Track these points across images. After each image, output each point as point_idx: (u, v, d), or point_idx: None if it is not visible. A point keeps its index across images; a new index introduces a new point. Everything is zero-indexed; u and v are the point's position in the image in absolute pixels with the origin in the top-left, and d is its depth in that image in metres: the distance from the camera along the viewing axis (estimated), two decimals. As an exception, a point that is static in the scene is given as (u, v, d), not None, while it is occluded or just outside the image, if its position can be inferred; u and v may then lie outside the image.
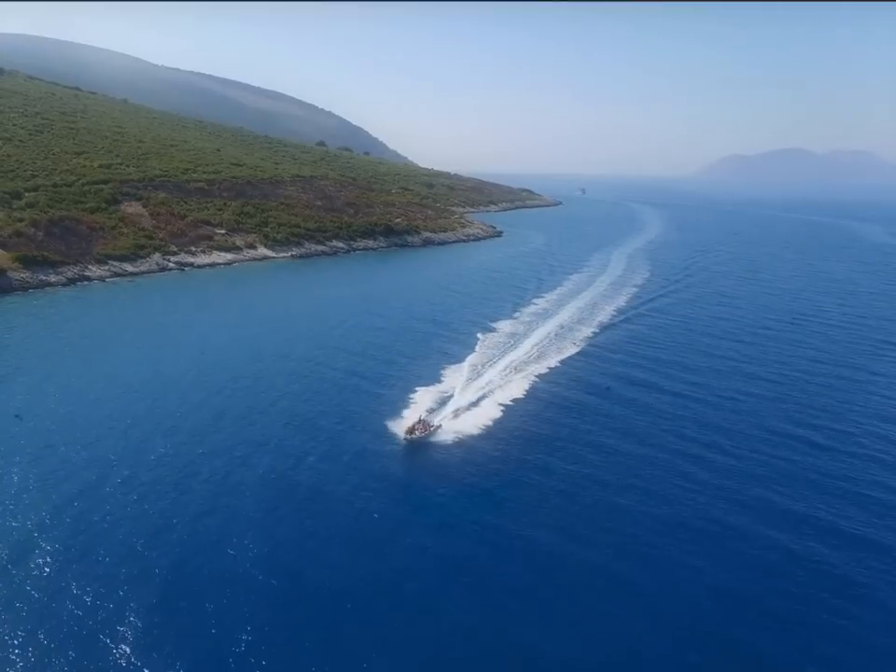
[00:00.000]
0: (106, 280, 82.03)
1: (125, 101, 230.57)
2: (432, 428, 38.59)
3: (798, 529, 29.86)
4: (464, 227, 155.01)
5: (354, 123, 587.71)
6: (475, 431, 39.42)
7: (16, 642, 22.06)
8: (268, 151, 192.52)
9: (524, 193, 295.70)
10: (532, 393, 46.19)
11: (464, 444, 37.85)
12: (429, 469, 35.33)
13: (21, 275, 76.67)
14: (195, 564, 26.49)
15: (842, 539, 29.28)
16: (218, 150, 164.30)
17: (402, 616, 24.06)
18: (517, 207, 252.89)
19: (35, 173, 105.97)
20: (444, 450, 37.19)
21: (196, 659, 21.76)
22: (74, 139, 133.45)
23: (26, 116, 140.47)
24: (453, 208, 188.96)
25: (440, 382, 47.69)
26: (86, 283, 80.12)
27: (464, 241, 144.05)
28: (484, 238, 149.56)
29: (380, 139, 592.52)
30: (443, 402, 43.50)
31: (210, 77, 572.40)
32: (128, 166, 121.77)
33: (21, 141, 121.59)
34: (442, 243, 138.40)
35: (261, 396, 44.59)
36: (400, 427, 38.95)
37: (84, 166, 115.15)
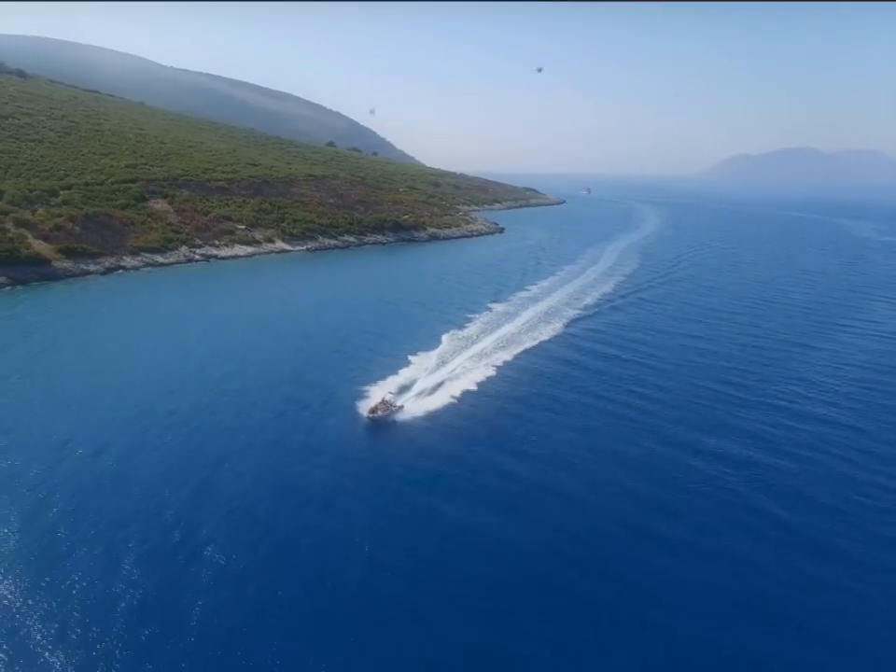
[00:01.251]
0: (140, 270, 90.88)
1: (142, 103, 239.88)
2: (394, 408, 42.59)
3: (709, 454, 38.24)
4: (468, 224, 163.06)
5: (361, 124, 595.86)
6: (459, 387, 47.39)
7: (91, 509, 30.92)
8: (280, 152, 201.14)
9: (528, 192, 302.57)
10: (511, 363, 54.20)
11: (447, 400, 45.90)
12: (405, 414, 43.19)
13: (65, 265, 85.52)
14: (222, 469, 35.37)
15: (741, 461, 37.49)
16: (234, 151, 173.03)
17: (381, 505, 32.53)
18: (521, 206, 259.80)
19: (68, 172, 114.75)
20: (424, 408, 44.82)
21: (221, 526, 30.18)
22: (100, 140, 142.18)
23: (53, 119, 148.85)
24: (458, 206, 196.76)
25: (430, 350, 55.84)
26: (122, 272, 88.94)
27: (468, 236, 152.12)
28: (487, 234, 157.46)
29: (387, 139, 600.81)
30: (425, 369, 51.23)
31: (216, 77, 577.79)
32: (152, 166, 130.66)
33: (51, 143, 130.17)
34: (447, 238, 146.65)
35: (273, 360, 53.43)
36: (377, 389, 45.90)
37: (112, 166, 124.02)
